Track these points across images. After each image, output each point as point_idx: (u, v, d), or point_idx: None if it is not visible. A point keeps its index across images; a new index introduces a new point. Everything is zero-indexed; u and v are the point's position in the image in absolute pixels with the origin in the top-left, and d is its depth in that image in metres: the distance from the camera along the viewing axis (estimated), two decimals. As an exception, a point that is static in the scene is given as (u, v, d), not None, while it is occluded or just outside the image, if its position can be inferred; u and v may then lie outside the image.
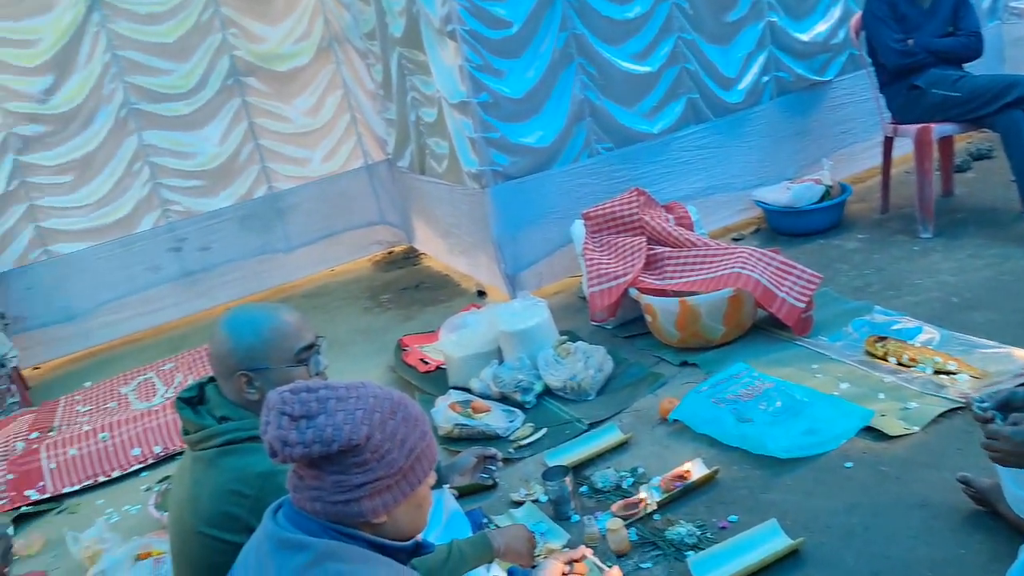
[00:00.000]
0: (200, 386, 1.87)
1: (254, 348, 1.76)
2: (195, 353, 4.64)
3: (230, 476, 1.72)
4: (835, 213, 4.38)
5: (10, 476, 3.65)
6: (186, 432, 1.83)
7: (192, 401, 1.84)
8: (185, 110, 5.27)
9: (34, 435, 4.05)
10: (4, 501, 3.53)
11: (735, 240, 4.53)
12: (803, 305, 3.27)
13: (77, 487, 3.59)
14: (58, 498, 3.55)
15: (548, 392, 3.32)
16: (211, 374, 1.89)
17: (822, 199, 4.34)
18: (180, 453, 3.59)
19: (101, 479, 3.59)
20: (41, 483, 3.61)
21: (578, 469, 2.77)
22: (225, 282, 5.53)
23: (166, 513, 2.87)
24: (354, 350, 4.40)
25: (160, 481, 3.40)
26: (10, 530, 1.53)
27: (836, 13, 4.74)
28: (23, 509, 3.46)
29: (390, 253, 6.04)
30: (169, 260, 5.40)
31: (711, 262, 3.48)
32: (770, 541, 2.18)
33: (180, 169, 5.35)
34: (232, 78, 5.35)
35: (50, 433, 4.06)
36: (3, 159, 4.93)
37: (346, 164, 5.78)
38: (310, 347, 1.83)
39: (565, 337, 3.52)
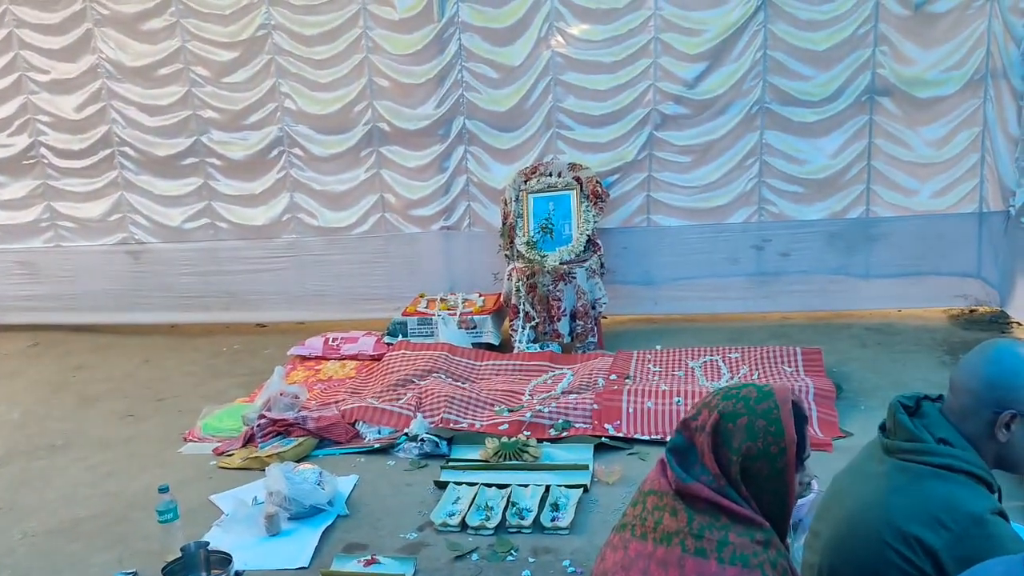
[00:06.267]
0: (918, 400, 1.82)
1: None
2: (762, 351, 4.68)
3: (938, 504, 1.66)
4: None
5: (595, 406, 4.09)
6: (889, 435, 1.82)
7: (909, 410, 1.81)
8: (811, 117, 5.31)
9: (613, 376, 4.49)
10: (588, 425, 3.99)
11: None
12: None
13: (646, 437, 3.90)
14: (629, 440, 3.90)
15: None
16: (921, 393, 1.84)
17: None
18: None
19: (668, 438, 3.83)
20: (618, 421, 3.99)
21: None
22: (793, 291, 5.53)
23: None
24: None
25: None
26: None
27: None
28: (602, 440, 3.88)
29: (972, 311, 5.48)
30: (748, 256, 5.55)
31: None
32: None
33: (786, 173, 5.42)
34: (867, 95, 5.24)
35: (626, 380, 4.46)
36: (642, 131, 5.49)
37: (956, 206, 5.32)
38: None
39: None
